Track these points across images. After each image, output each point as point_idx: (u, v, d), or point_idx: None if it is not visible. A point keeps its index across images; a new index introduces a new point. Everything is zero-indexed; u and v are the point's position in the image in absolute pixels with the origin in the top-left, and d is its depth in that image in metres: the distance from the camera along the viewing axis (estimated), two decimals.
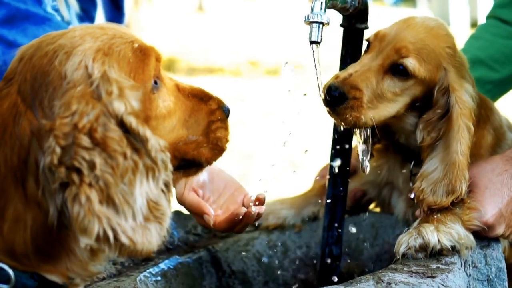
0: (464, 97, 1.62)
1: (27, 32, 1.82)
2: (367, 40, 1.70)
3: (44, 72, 1.16)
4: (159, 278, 1.69)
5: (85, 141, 1.09)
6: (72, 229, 1.13)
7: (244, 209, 1.68)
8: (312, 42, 1.58)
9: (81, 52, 1.17)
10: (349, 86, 1.58)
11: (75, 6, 2.04)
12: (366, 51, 1.69)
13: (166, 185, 1.19)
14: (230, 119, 1.44)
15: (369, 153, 1.75)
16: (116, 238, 1.08)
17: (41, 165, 1.11)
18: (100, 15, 2.24)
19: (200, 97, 1.39)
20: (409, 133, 1.73)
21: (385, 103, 1.62)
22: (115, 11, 2.30)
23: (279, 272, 1.94)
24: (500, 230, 1.63)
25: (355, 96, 1.58)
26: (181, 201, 1.77)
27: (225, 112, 1.42)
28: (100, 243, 1.09)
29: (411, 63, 1.61)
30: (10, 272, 1.14)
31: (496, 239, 1.67)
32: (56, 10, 1.94)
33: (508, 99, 2.67)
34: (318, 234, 1.94)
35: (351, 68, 1.63)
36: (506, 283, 1.66)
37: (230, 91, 9.77)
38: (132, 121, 1.14)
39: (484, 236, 1.65)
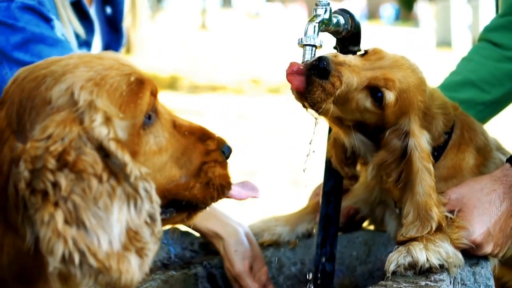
0: (422, 143, 1.66)
1: (42, 54, 1.87)
2: (365, 50, 1.72)
3: (30, 96, 1.15)
4: None
5: (51, 163, 1.06)
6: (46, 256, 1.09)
7: None
8: None
9: (70, 79, 1.15)
10: (337, 72, 1.60)
11: (82, 34, 2.11)
12: (361, 56, 1.71)
13: (152, 217, 1.14)
14: (230, 158, 1.37)
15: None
16: (83, 260, 1.04)
17: (20, 191, 1.08)
18: (97, 38, 2.29)
19: (198, 136, 1.33)
20: (351, 149, 1.77)
21: (346, 108, 1.65)
22: (113, 33, 2.35)
23: None
24: (488, 248, 1.66)
25: (334, 84, 1.60)
26: (237, 277, 1.87)
27: (225, 153, 1.36)
28: (67, 266, 1.04)
29: (390, 97, 1.64)
30: None
31: (485, 257, 1.70)
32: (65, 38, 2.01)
33: (501, 119, 2.72)
34: (312, 251, 1.97)
35: (348, 59, 1.64)
36: None
37: (232, 109, 9.84)
38: (111, 145, 1.11)
39: (473, 255, 1.68)
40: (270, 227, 2.04)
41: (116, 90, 1.17)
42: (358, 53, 1.75)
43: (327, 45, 1.70)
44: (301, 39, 1.62)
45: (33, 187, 1.05)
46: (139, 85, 1.21)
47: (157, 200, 1.16)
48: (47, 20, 1.96)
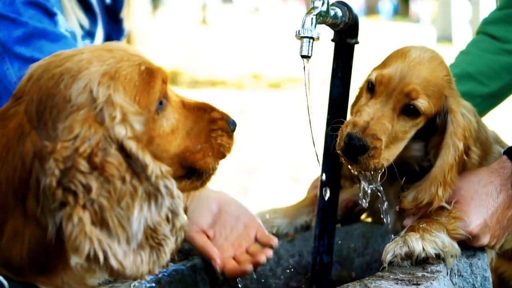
0: (458, 117, 1.69)
1: (44, 49, 1.88)
2: (369, 81, 1.73)
3: (49, 94, 1.19)
4: (153, 284, 1.73)
5: (83, 165, 1.11)
6: (69, 252, 1.15)
7: (251, 267, 1.76)
8: (303, 56, 1.63)
9: (87, 76, 1.19)
10: (370, 137, 1.63)
11: (86, 26, 2.12)
12: (371, 94, 1.72)
13: (173, 212, 1.20)
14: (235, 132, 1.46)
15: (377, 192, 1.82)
16: (106, 260, 1.10)
17: (42, 185, 1.14)
18: (99, 29, 2.29)
19: (204, 109, 1.42)
20: (412, 157, 1.80)
21: (397, 143, 1.69)
22: (113, 24, 2.35)
23: (271, 280, 1.98)
24: (485, 240, 1.67)
25: (375, 146, 1.63)
26: (189, 241, 1.83)
27: (230, 125, 1.43)
28: (90, 263, 1.11)
29: (421, 103, 1.66)
30: (5, 283, 1.17)
31: (482, 249, 1.71)
32: (70, 33, 2.01)
33: (499, 112, 2.72)
34: (311, 243, 1.98)
35: (366, 115, 1.66)
36: None
37: (232, 104, 9.84)
38: (132, 146, 1.16)
39: (470, 246, 1.69)
40: (269, 220, 2.04)
41: (130, 82, 1.22)
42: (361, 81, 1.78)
43: (325, 37, 1.71)
44: (299, 31, 1.62)
45: (64, 185, 1.11)
46: (150, 74, 1.27)
47: (179, 195, 1.22)
48: (51, 15, 1.96)
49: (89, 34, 2.18)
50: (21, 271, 1.19)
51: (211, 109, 1.43)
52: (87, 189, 1.11)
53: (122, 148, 1.16)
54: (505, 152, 1.73)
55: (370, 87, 1.72)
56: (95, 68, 1.20)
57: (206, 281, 1.89)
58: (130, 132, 1.18)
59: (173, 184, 1.21)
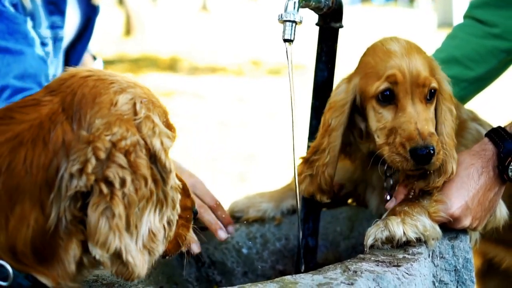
0: (444, 85, 1.74)
1: None
2: (385, 89, 1.69)
3: (97, 92, 1.28)
4: None
5: (122, 159, 1.20)
6: (65, 239, 1.21)
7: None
8: (285, 40, 1.63)
9: (133, 93, 1.31)
10: (429, 137, 1.61)
11: None
12: (384, 103, 1.70)
13: (169, 223, 1.29)
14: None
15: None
16: (125, 255, 1.18)
17: (60, 172, 1.20)
18: (72, 9, 2.29)
19: (183, 190, 1.45)
20: None
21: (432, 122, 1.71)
22: (90, 6, 2.35)
23: (258, 263, 2.00)
24: (466, 222, 1.68)
25: (436, 142, 1.62)
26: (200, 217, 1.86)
27: (194, 213, 1.49)
28: (112, 259, 1.18)
29: (434, 85, 1.70)
30: (10, 270, 1.20)
31: (464, 231, 1.72)
32: (14, 4, 1.98)
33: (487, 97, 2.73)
34: (297, 226, 1.99)
35: (412, 124, 1.64)
36: (473, 274, 1.71)
37: (232, 91, 9.83)
38: (162, 155, 1.26)
39: (452, 228, 1.70)
40: (255, 204, 2.05)
41: (161, 116, 1.34)
42: None
43: (308, 21, 1.71)
44: (281, 15, 1.62)
45: (96, 174, 1.18)
46: (170, 123, 1.38)
47: (178, 209, 1.32)
48: None
49: (59, 12, 2.16)
50: (25, 258, 1.21)
51: (187, 193, 1.47)
52: (123, 182, 1.18)
53: (151, 155, 1.25)
54: (486, 134, 1.73)
55: (388, 94, 1.69)
56: (139, 90, 1.33)
57: (192, 264, 1.91)
58: (164, 145, 1.27)
59: (178, 198, 1.31)
